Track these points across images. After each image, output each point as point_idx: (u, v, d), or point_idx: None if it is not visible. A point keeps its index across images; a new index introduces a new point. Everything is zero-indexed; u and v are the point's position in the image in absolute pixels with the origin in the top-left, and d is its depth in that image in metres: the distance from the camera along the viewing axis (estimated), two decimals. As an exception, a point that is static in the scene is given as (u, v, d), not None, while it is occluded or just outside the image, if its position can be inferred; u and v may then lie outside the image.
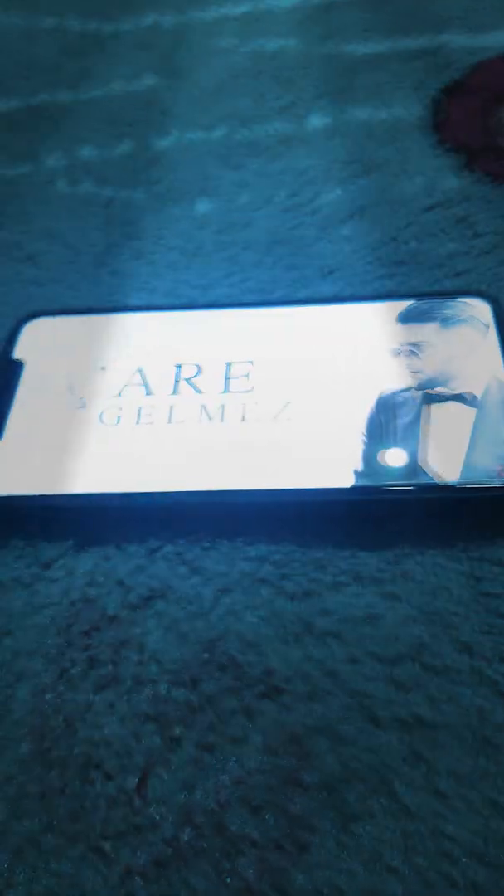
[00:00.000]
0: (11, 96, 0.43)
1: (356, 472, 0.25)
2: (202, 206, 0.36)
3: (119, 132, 0.40)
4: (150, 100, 0.42)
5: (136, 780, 0.22)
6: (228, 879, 0.20)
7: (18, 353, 0.30)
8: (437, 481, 0.24)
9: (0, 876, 0.20)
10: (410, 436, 0.25)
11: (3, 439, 0.27)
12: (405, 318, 0.28)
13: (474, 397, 0.26)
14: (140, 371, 0.29)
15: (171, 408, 0.27)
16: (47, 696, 0.23)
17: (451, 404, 0.26)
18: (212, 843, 0.20)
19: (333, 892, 0.20)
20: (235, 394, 0.27)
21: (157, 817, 0.21)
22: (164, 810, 0.21)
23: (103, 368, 0.29)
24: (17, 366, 0.29)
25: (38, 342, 0.30)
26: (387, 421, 0.26)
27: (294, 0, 0.46)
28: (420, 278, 0.32)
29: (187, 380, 0.28)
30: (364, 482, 0.24)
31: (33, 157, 0.39)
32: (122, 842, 0.21)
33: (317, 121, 0.39)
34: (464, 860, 0.20)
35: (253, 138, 0.39)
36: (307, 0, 0.46)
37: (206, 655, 0.24)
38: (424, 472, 0.24)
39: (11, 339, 0.30)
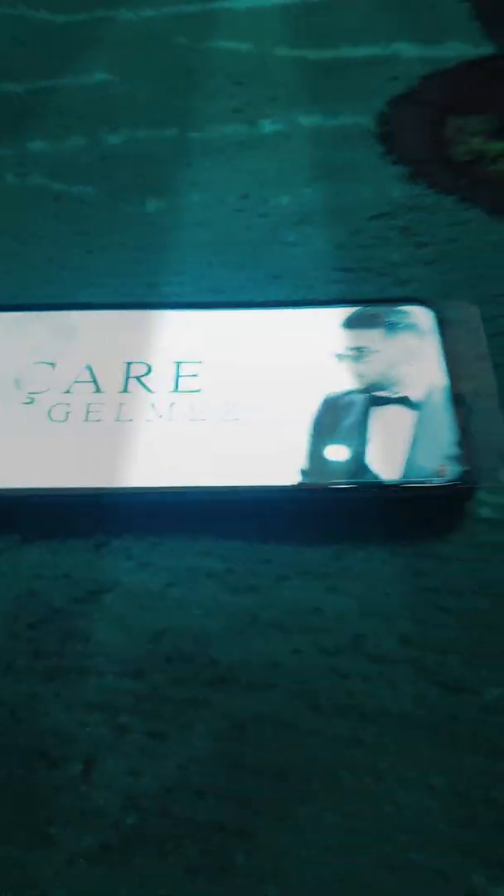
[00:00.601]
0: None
1: (302, 471, 0.25)
2: (153, 205, 0.36)
3: (69, 126, 0.40)
4: (102, 95, 0.42)
5: (81, 767, 0.22)
6: (171, 860, 0.20)
7: (-33, 346, 0.29)
8: (380, 480, 0.25)
9: None
10: (355, 436, 0.26)
11: (-50, 432, 0.27)
12: (351, 323, 0.29)
13: (416, 400, 0.27)
14: (89, 368, 0.29)
15: (121, 406, 0.28)
16: (-7, 688, 0.23)
17: (394, 407, 0.27)
18: (156, 827, 0.21)
19: (275, 873, 0.20)
20: (184, 393, 0.28)
21: (102, 802, 0.21)
22: (109, 796, 0.21)
23: (52, 365, 0.29)
24: (-34, 359, 0.29)
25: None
26: (332, 422, 0.27)
27: (250, 2, 0.46)
28: (366, 285, 0.33)
29: (137, 378, 0.28)
30: (309, 480, 0.25)
31: (-19, 148, 0.39)
32: (67, 827, 0.21)
33: (269, 125, 0.40)
34: (401, 838, 0.21)
35: (204, 138, 0.39)
36: (263, 2, 0.46)
37: (152, 647, 0.24)
38: (368, 471, 0.25)
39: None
